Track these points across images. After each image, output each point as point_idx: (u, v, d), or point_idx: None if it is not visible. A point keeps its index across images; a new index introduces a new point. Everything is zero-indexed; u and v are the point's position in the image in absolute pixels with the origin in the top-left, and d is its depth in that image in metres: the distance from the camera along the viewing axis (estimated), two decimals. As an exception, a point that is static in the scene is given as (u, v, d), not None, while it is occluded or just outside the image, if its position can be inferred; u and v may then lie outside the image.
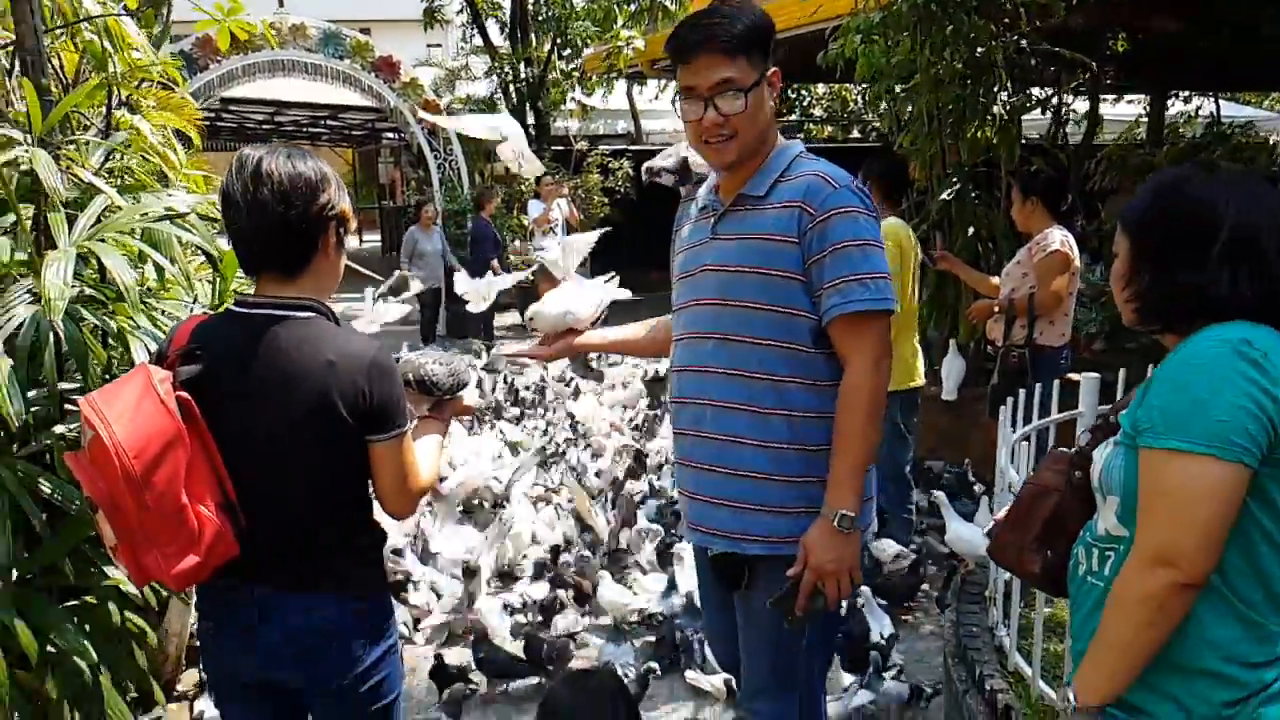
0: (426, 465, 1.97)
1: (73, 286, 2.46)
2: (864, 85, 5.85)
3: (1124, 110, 12.69)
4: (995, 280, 4.67)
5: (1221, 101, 10.86)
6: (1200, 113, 11.07)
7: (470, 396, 2.29)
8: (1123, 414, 1.59)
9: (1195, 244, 1.47)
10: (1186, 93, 10.95)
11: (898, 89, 5.09)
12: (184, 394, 1.74)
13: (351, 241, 16.63)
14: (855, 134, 13.75)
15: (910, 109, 5.18)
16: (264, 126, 18.43)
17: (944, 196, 5.17)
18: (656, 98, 16.87)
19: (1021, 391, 3.19)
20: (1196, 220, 1.48)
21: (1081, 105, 5.95)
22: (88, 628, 2.61)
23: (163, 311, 2.86)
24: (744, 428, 2.05)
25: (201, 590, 1.97)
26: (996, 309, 4.45)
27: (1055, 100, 5.61)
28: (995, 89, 5.05)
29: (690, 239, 2.25)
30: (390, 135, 18.99)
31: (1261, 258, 1.45)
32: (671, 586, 3.92)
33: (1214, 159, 5.46)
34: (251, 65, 11.51)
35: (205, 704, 3.37)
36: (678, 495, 2.36)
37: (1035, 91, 5.55)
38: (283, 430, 1.80)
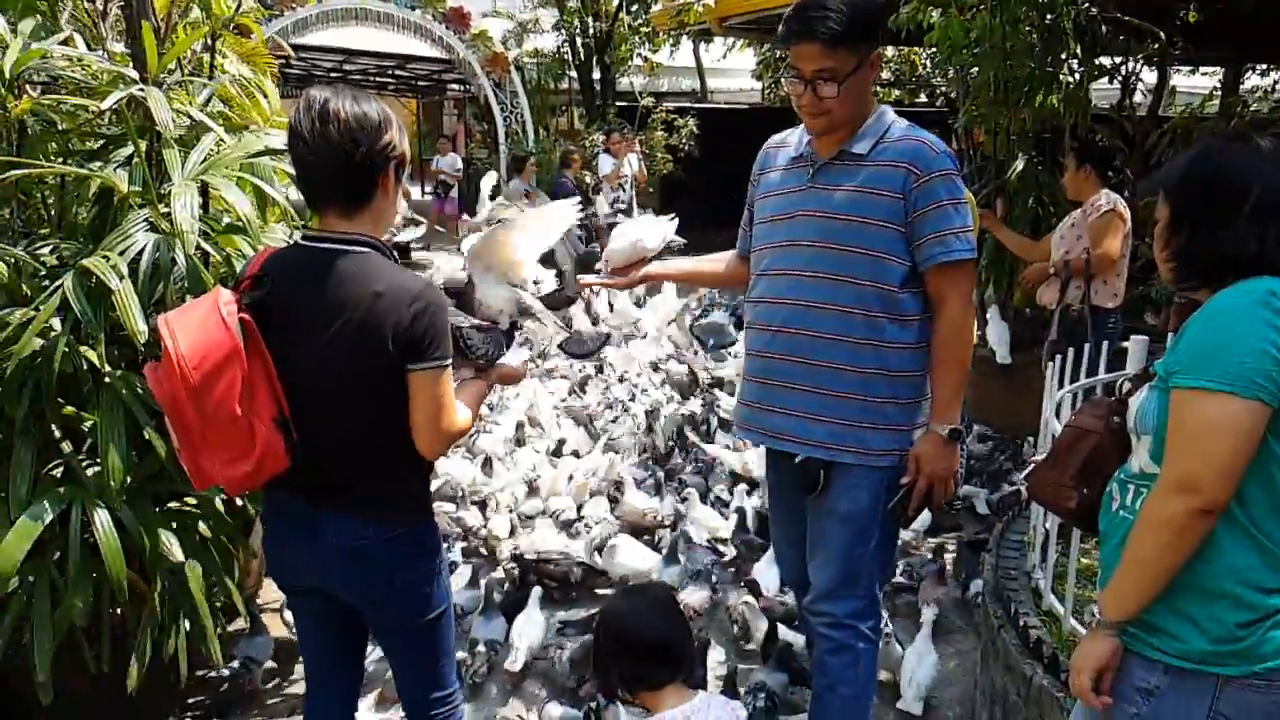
0: (464, 410, 2.04)
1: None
2: (932, 50, 5.85)
3: (1199, 82, 12.38)
4: (1035, 243, 4.76)
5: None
6: (1278, 87, 10.77)
7: (515, 360, 2.37)
8: (1157, 362, 1.72)
9: (1228, 206, 1.58)
10: (1264, 66, 10.65)
11: (966, 56, 5.11)
12: (246, 316, 1.89)
13: (414, 191, 16.70)
14: (922, 98, 13.59)
15: (978, 76, 5.20)
16: (332, 74, 18.62)
17: (1019, 165, 5.20)
18: (724, 56, 16.79)
19: (1071, 351, 3.30)
20: (1229, 184, 1.59)
21: (1151, 76, 5.90)
22: (183, 534, 2.83)
23: (265, 241, 3.06)
24: (842, 356, 2.35)
25: (265, 499, 2.15)
26: (1052, 271, 4.54)
27: (1124, 69, 5.58)
28: (1064, 57, 5.06)
29: (783, 184, 2.48)
30: (455, 87, 19.12)
31: None
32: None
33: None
34: (325, 13, 11.61)
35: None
36: (748, 410, 2.57)
37: (1104, 61, 5.53)
38: (334, 356, 1.92)
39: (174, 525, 2.80)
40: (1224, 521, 1.55)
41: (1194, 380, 1.53)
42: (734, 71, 17.14)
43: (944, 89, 9.91)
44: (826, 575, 2.47)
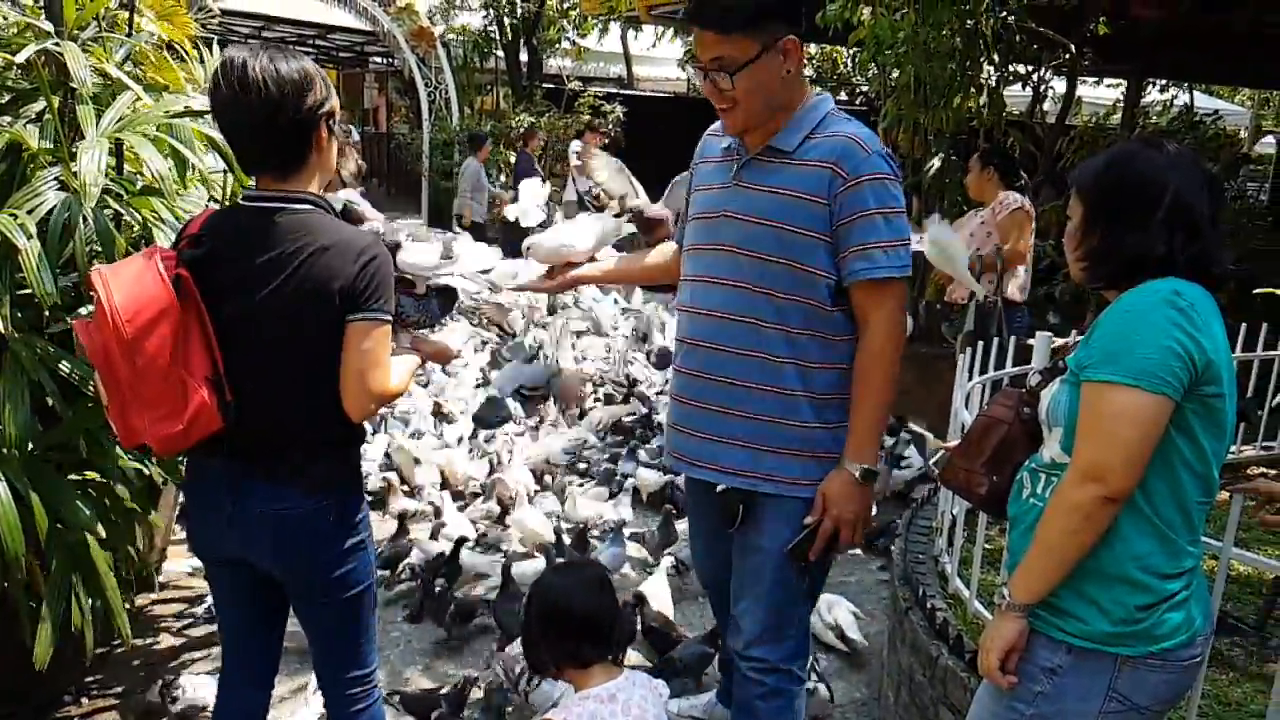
0: (396, 374, 2.00)
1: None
2: (855, 49, 5.98)
3: (1103, 93, 12.91)
4: None
5: (1195, 92, 11.12)
6: (1175, 101, 11.33)
7: (455, 341, 2.40)
8: (1069, 356, 1.81)
9: (1143, 210, 1.67)
10: (1163, 81, 11.19)
11: (889, 57, 5.25)
12: (183, 272, 1.86)
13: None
14: (843, 96, 13.85)
15: (898, 77, 5.35)
16: (249, 40, 18.06)
17: (935, 164, 5.37)
18: (654, 45, 16.79)
19: (981, 344, 3.44)
20: (1146, 190, 1.67)
21: (1061, 85, 6.16)
22: (93, 505, 2.74)
23: (184, 207, 2.97)
24: (757, 374, 2.13)
25: (189, 466, 2.10)
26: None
27: (1035, 77, 5.82)
28: (982, 61, 5.24)
29: (710, 180, 2.26)
30: (378, 60, 18.73)
31: (1196, 225, 1.66)
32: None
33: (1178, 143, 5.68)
34: (246, -22, 11.27)
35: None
36: (670, 431, 2.39)
37: (1019, 68, 5.74)
38: (273, 314, 1.89)
39: (78, 495, 2.71)
40: (1127, 510, 1.63)
41: (1103, 375, 1.61)
42: (661, 60, 17.14)
43: (864, 88, 10.11)
44: (755, 619, 2.26)
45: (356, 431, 2.08)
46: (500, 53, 14.19)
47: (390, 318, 1.96)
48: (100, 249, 2.67)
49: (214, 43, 4.05)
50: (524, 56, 13.87)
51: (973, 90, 5.22)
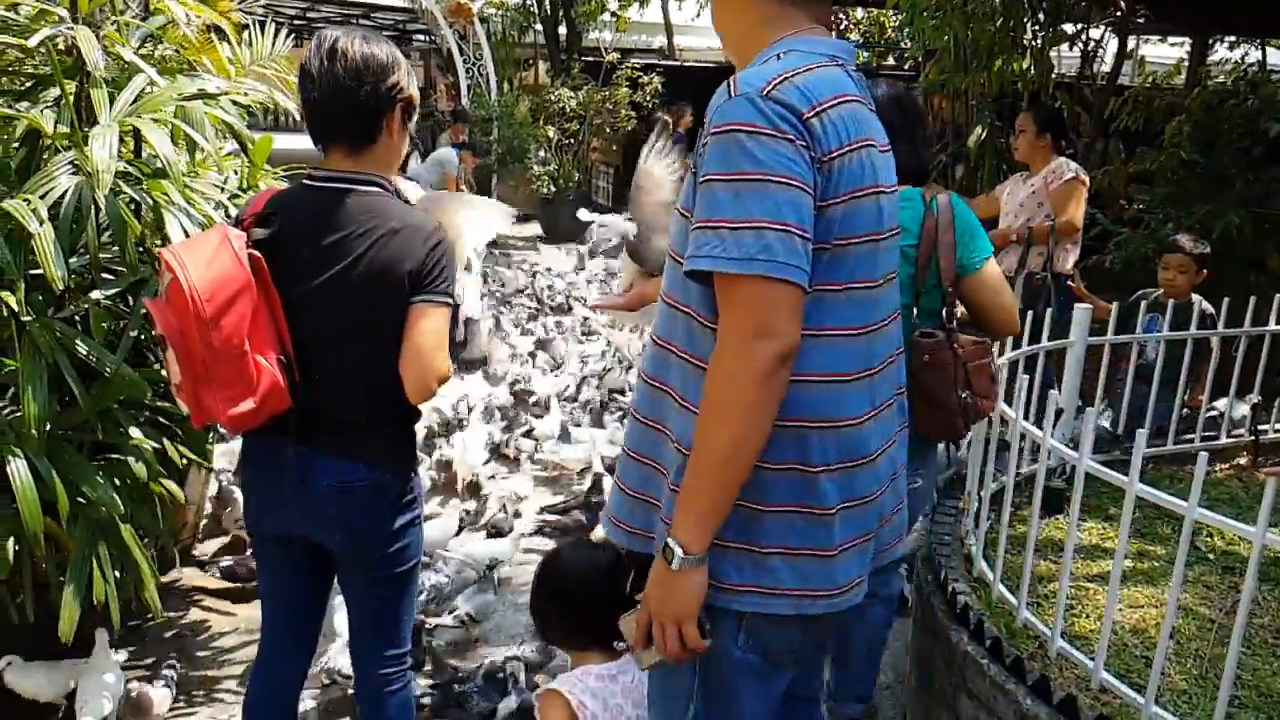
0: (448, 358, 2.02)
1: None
2: (898, 13, 5.81)
3: (1167, 52, 12.41)
4: (977, 201, 4.81)
5: (1270, 49, 10.58)
6: (1247, 59, 10.80)
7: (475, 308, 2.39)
8: None
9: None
10: (1232, 38, 10.66)
11: (929, 22, 5.08)
12: (255, 253, 1.90)
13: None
14: (891, 60, 13.52)
15: (939, 40, 5.17)
16: (295, 21, 18.21)
17: (979, 131, 5.19)
18: (697, 15, 16.55)
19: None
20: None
21: (1113, 43, 5.90)
22: (116, 482, 2.79)
23: (195, 190, 2.98)
24: (662, 411, 1.57)
25: (249, 443, 2.12)
26: (1014, 238, 4.56)
27: (1084, 36, 5.58)
28: (1026, 21, 5.04)
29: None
30: (421, 38, 18.75)
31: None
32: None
33: (1246, 105, 5.44)
34: (286, -43, 11.34)
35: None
36: None
37: (1066, 28, 5.51)
38: (342, 294, 1.93)
39: (103, 474, 2.75)
40: None
41: None
42: (705, 29, 16.83)
43: (909, 52, 9.84)
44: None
45: (415, 411, 2.12)
46: (539, 26, 14.10)
47: (452, 301, 2.00)
48: (114, 233, 2.69)
49: (265, 24, 4.08)
50: (563, 30, 13.73)
51: (1016, 52, 5.01)
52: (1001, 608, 2.62)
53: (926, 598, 2.79)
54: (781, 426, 1.45)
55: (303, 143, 2.30)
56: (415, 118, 2.08)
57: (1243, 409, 3.90)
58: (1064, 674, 2.40)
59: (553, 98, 12.42)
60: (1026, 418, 2.52)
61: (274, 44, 4.15)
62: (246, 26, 4.00)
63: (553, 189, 12.07)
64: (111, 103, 2.74)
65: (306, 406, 1.96)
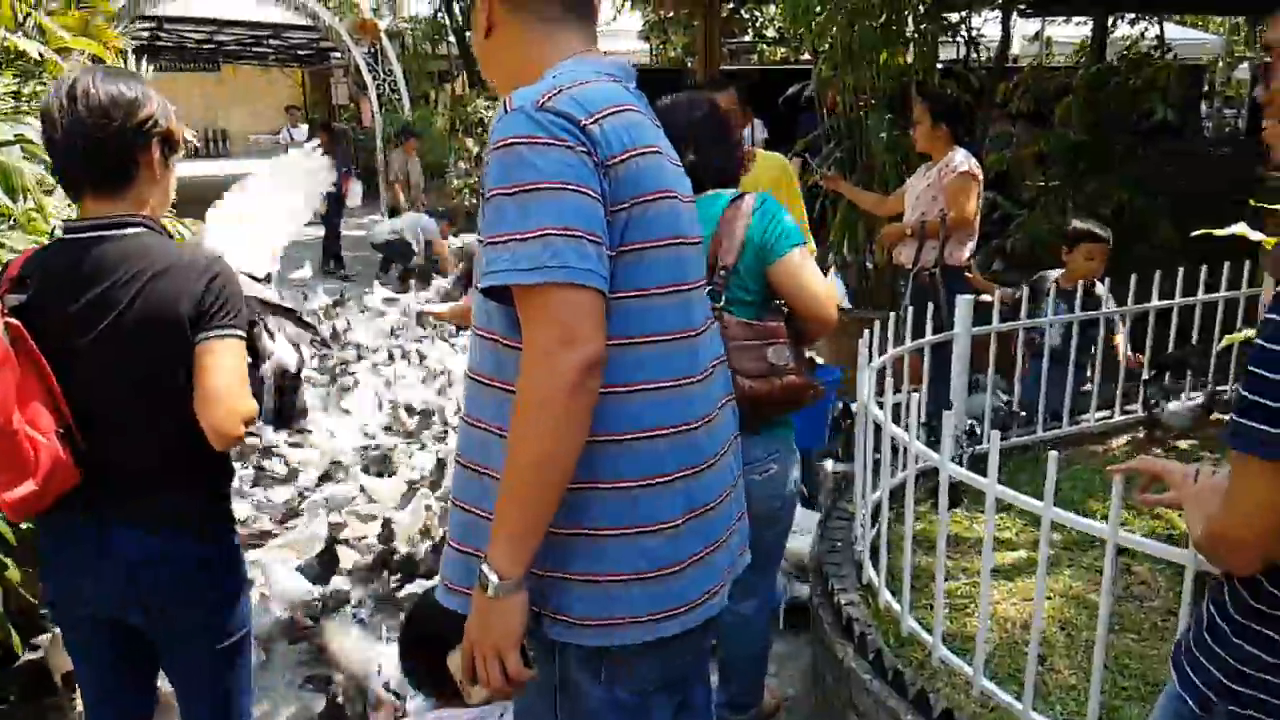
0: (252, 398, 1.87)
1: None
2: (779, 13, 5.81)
3: (1074, 31, 12.62)
4: (885, 199, 4.82)
5: (1169, 24, 10.81)
6: (1147, 34, 11.02)
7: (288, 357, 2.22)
8: None
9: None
10: (1132, 15, 10.88)
11: (813, 22, 5.06)
12: (13, 320, 1.74)
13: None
14: (806, 56, 13.60)
15: (828, 39, 5.15)
16: (204, 46, 17.87)
17: (880, 129, 5.17)
18: (614, 19, 16.51)
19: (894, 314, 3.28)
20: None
21: (996, 30, 5.96)
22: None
23: (8, 247, 2.81)
24: (484, 450, 1.49)
25: (41, 522, 1.95)
26: (909, 231, 4.55)
27: (966, 25, 5.62)
28: (907, 14, 5.04)
29: None
30: (337, 56, 18.49)
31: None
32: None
33: (1130, 84, 5.53)
34: (180, -18, 11.11)
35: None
36: None
37: (951, 17, 5.54)
38: (118, 348, 1.79)
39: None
40: None
41: None
42: (623, 33, 16.85)
43: (801, 49, 9.87)
44: None
45: (224, 465, 1.98)
46: (453, 39, 13.95)
47: (243, 334, 1.86)
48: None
49: (128, 53, 3.92)
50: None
51: (901, 45, 5.01)
52: (888, 617, 2.58)
53: (816, 609, 2.74)
54: (613, 441, 1.41)
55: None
56: (180, 152, 1.95)
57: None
58: (952, 680, 2.36)
59: (469, 109, 12.27)
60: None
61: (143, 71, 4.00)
62: (126, 53, 3.86)
63: (474, 201, 11.94)
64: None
65: (96, 476, 1.82)
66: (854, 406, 4.79)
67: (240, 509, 4.21)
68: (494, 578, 1.36)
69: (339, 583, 3.64)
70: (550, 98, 1.36)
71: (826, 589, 2.72)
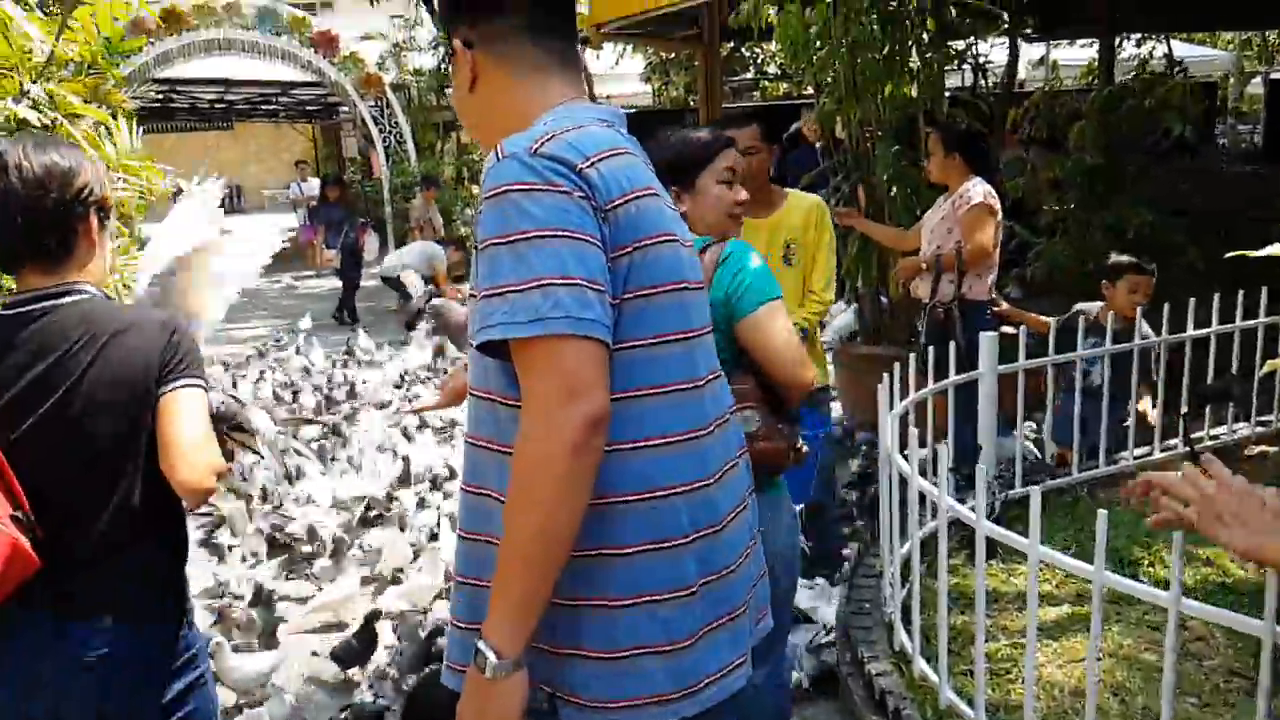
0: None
1: None
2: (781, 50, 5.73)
3: (1080, 54, 12.53)
4: (905, 233, 4.64)
5: (1177, 41, 10.69)
6: (1155, 53, 10.91)
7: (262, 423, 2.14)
8: None
9: None
10: (1138, 35, 10.78)
11: (813, 56, 4.93)
12: None
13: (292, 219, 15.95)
14: (811, 90, 13.57)
15: (830, 73, 5.03)
16: (216, 105, 18.06)
17: (881, 159, 5.03)
18: (616, 63, 16.62)
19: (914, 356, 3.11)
20: None
21: (1002, 56, 5.83)
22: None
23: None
24: (485, 519, 1.39)
25: None
26: (924, 266, 4.37)
27: (972, 51, 5.49)
28: (910, 45, 4.91)
29: None
30: (345, 109, 18.68)
31: None
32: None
33: (1144, 105, 5.39)
34: (187, 45, 11.28)
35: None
36: None
37: (957, 45, 5.42)
38: (73, 423, 1.70)
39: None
40: None
41: None
42: (626, 76, 16.96)
43: (804, 83, 9.84)
44: None
45: (182, 544, 1.89)
46: (457, 89, 14.03)
47: (207, 387, 1.81)
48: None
49: (131, 117, 3.90)
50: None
51: (905, 76, 4.87)
52: (924, 686, 2.38)
53: (845, 679, 2.54)
54: (621, 502, 1.31)
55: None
56: (113, 218, 1.90)
57: None
58: (997, 755, 2.17)
59: (477, 157, 12.27)
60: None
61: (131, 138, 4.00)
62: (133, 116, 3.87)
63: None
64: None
65: (52, 565, 1.69)
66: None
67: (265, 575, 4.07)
68: (492, 656, 1.24)
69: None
70: (544, 143, 1.29)
71: (855, 656, 2.53)
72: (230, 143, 28.63)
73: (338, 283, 10.42)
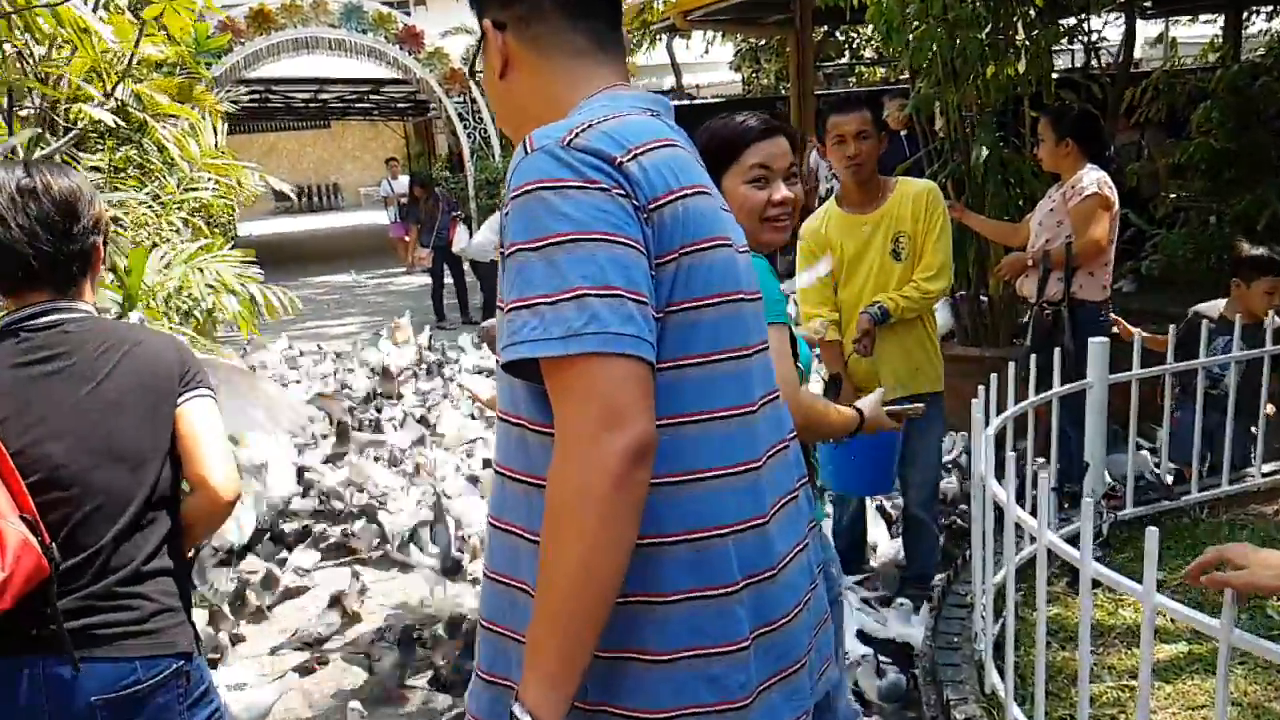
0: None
1: None
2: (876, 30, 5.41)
3: (1198, 31, 11.77)
4: (1016, 226, 4.27)
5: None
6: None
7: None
8: None
9: None
10: (1269, 8, 10.00)
11: (910, 36, 4.62)
12: None
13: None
14: (904, 75, 13.09)
15: (922, 54, 4.70)
16: (311, 105, 18.49)
17: (983, 151, 4.69)
18: (706, 51, 16.37)
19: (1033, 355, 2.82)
20: None
21: (1117, 33, 5.39)
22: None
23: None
24: (513, 558, 1.24)
25: None
26: (1030, 262, 4.02)
27: (1087, 27, 5.06)
28: (1016, 20, 4.55)
29: None
30: (434, 106, 18.92)
31: None
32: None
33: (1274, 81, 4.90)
34: (275, 45, 11.52)
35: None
36: None
37: (1067, 21, 5.02)
38: (94, 427, 1.66)
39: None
40: None
41: None
42: (716, 64, 16.73)
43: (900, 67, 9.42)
44: None
45: (188, 571, 1.91)
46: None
47: (216, 398, 1.84)
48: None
49: (270, 114, 4.09)
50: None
51: (1010, 56, 4.51)
52: (1020, 735, 2.12)
53: (930, 723, 2.30)
54: (668, 543, 1.16)
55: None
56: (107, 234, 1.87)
57: None
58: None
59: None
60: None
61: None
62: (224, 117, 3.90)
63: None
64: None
65: (62, 584, 1.61)
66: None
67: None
68: (521, 712, 1.08)
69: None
70: (578, 134, 1.14)
71: (942, 699, 2.28)
72: (328, 141, 29.46)
73: (428, 280, 10.40)
